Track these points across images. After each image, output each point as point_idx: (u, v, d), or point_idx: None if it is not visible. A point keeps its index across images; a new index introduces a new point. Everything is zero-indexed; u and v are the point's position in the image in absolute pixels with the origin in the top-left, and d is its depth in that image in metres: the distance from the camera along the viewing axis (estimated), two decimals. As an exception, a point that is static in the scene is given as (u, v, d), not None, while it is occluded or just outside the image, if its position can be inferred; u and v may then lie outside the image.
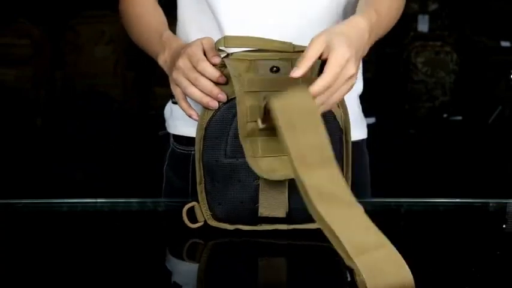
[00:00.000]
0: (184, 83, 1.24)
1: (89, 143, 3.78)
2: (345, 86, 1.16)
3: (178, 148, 1.48)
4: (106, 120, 4.02)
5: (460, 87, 4.34)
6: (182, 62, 1.24)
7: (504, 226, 1.38)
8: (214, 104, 1.22)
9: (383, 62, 4.49)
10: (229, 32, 1.36)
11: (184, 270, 1.18)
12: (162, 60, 1.33)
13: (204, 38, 1.26)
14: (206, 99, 1.22)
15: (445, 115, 4.32)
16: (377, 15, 1.28)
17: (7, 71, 4.05)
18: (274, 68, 1.21)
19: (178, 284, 1.12)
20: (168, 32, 1.38)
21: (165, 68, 1.32)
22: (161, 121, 1.56)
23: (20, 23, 4.13)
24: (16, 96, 4.01)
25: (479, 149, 3.86)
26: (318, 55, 1.15)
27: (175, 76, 1.25)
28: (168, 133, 1.52)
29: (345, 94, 1.17)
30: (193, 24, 1.46)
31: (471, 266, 1.14)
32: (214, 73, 1.22)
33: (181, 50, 1.26)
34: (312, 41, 1.16)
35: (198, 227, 1.23)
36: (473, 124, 4.19)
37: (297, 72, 1.12)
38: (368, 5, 1.31)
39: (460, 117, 4.32)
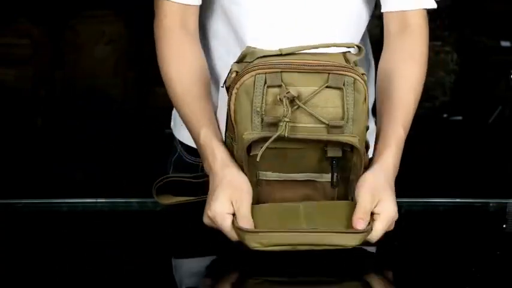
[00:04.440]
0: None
1: (89, 143, 3.78)
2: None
3: (187, 158, 1.46)
4: (106, 120, 4.01)
5: (460, 87, 4.33)
6: (209, 221, 1.18)
7: (504, 226, 1.38)
8: None
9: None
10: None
11: (185, 270, 1.17)
12: (205, 167, 1.25)
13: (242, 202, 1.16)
14: None
15: (445, 115, 4.32)
16: (404, 130, 1.27)
17: (7, 71, 4.04)
18: None
19: (179, 284, 1.12)
20: (205, 132, 1.25)
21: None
22: (161, 121, 1.56)
23: (20, 23, 4.12)
24: (16, 96, 4.01)
25: (479, 149, 3.85)
26: (372, 207, 1.15)
27: (206, 222, 1.19)
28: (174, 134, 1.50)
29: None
30: (212, 38, 1.41)
31: (471, 266, 1.14)
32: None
33: (216, 189, 1.17)
34: (360, 194, 1.15)
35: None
36: (473, 124, 4.18)
37: (360, 224, 1.12)
38: (393, 122, 1.28)
39: (460, 117, 4.31)
